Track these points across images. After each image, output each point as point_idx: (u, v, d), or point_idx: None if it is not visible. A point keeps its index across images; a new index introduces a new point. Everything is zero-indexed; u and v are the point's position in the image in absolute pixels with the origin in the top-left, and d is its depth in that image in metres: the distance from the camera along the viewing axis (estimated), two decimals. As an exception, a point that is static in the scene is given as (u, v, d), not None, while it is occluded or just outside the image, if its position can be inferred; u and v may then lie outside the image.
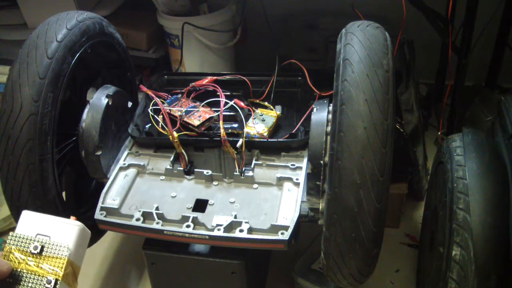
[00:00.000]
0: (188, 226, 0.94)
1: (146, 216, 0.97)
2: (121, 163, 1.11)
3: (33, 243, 0.51)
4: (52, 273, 0.50)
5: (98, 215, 0.99)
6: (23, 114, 0.91)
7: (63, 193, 1.10)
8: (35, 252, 0.51)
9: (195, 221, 0.95)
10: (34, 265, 0.50)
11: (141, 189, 1.06)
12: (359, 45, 0.80)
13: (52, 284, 0.50)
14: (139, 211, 0.98)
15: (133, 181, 1.08)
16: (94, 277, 1.37)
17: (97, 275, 1.38)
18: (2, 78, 1.78)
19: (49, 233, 0.52)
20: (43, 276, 0.50)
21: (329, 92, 1.08)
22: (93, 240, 1.18)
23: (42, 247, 0.51)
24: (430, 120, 1.82)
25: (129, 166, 1.11)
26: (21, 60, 0.94)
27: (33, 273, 0.50)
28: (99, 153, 1.06)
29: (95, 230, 1.08)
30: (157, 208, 0.98)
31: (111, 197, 1.03)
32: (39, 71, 0.92)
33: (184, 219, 0.96)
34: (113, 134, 1.13)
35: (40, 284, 0.50)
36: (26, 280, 0.50)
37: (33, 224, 0.53)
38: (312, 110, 0.99)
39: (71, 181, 1.13)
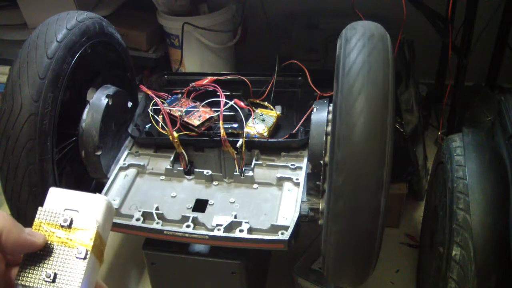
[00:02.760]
0: (188, 226, 0.94)
1: (146, 216, 0.97)
2: (121, 163, 1.11)
3: (62, 217, 0.52)
4: (82, 244, 0.51)
5: (98, 215, 0.99)
6: (23, 114, 0.91)
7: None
8: (65, 225, 0.52)
9: (195, 221, 0.95)
10: (65, 237, 0.51)
11: (141, 189, 1.06)
12: (359, 45, 0.79)
13: (83, 254, 0.51)
14: (139, 211, 0.98)
15: (133, 181, 1.08)
16: (94, 277, 1.37)
17: (97, 275, 1.37)
18: (2, 78, 1.78)
19: (77, 207, 0.53)
20: (73, 248, 0.51)
21: (330, 93, 1.08)
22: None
23: (72, 220, 0.52)
24: (430, 120, 1.82)
25: (129, 166, 1.11)
26: (21, 60, 0.94)
27: (63, 244, 0.51)
28: (99, 153, 1.06)
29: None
30: (157, 208, 0.98)
31: (111, 197, 1.03)
32: (39, 71, 0.92)
33: (184, 219, 0.96)
34: (113, 134, 1.13)
35: (71, 255, 0.51)
36: (57, 251, 0.51)
37: (60, 199, 0.54)
38: (312, 110, 0.99)
39: (71, 181, 1.13)
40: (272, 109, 1.19)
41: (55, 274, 0.50)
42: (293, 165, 1.06)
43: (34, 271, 0.50)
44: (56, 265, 0.50)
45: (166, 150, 1.13)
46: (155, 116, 1.14)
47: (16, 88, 0.92)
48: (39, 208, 0.53)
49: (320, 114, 0.97)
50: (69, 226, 0.52)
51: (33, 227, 0.52)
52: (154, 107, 1.16)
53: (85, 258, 0.51)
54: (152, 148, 1.15)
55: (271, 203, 1.00)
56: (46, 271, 0.50)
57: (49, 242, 0.51)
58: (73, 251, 0.51)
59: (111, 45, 1.18)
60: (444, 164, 1.02)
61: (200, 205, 1.01)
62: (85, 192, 0.54)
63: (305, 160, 1.06)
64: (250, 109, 1.18)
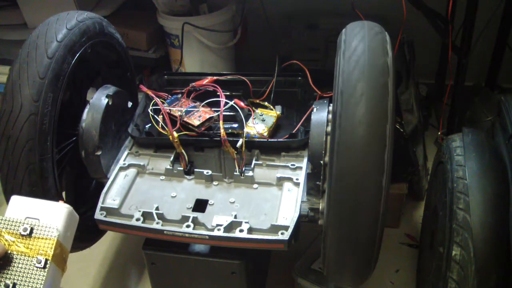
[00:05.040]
0: (188, 226, 0.94)
1: (146, 216, 0.97)
2: (121, 163, 1.11)
3: (23, 226, 0.52)
4: (42, 254, 0.51)
5: (98, 215, 0.99)
6: (23, 114, 0.91)
7: (63, 193, 1.10)
8: (25, 234, 0.52)
9: (195, 221, 0.95)
10: (24, 246, 0.51)
11: (141, 189, 1.06)
12: (358, 49, 0.79)
13: (42, 263, 0.51)
14: (139, 211, 0.98)
15: (133, 181, 1.08)
16: (94, 277, 1.37)
17: (97, 275, 1.38)
18: (2, 78, 1.78)
19: (38, 216, 0.53)
20: (33, 257, 0.51)
21: (330, 93, 1.08)
22: (93, 240, 1.18)
23: (32, 229, 0.52)
24: (430, 120, 1.82)
25: (129, 166, 1.11)
26: (21, 60, 0.94)
27: (23, 254, 0.51)
28: (99, 153, 1.07)
29: (95, 230, 1.08)
30: (157, 208, 0.98)
31: (111, 197, 1.03)
32: (39, 71, 0.92)
33: (184, 219, 0.96)
34: (113, 134, 1.13)
35: (31, 265, 0.51)
36: (17, 261, 0.51)
37: (22, 208, 0.54)
38: (312, 110, 0.99)
39: (71, 181, 1.13)
40: (272, 109, 1.19)
41: (14, 284, 0.50)
42: (293, 165, 1.06)
43: None
44: (15, 275, 0.50)
45: (166, 150, 1.13)
46: (155, 116, 1.14)
47: (16, 88, 0.92)
48: (0, 217, 0.52)
49: (320, 114, 0.97)
50: (29, 235, 0.51)
51: None
52: (154, 107, 1.16)
53: (44, 267, 0.50)
54: (152, 148, 1.15)
55: (271, 203, 1.00)
56: (4, 282, 0.49)
57: (8, 252, 0.51)
58: (32, 261, 0.50)
59: (111, 45, 1.18)
60: (444, 164, 1.02)
61: (200, 205, 1.01)
62: (47, 200, 0.54)
63: (305, 160, 1.06)
64: (250, 109, 1.18)
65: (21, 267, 0.50)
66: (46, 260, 0.51)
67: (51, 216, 0.53)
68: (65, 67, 0.97)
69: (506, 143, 0.96)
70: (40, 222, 0.52)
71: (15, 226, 0.52)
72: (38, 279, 0.50)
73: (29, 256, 0.51)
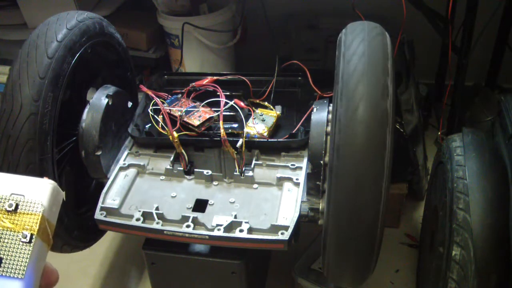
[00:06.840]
0: (188, 226, 0.94)
1: (146, 216, 0.97)
2: (121, 163, 1.11)
3: (8, 202, 0.53)
4: (27, 229, 0.52)
5: (98, 215, 0.99)
6: (23, 114, 0.91)
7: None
8: (10, 209, 0.52)
9: (195, 221, 0.95)
10: (10, 222, 0.52)
11: (141, 189, 1.06)
12: (358, 50, 0.79)
13: (28, 238, 0.51)
14: (139, 211, 0.98)
15: (133, 181, 1.08)
16: (94, 277, 1.37)
17: (97, 275, 1.38)
18: (2, 78, 1.78)
19: (23, 192, 0.54)
20: (19, 232, 0.52)
21: (330, 93, 1.08)
22: (93, 240, 1.18)
23: (17, 205, 0.53)
24: (430, 120, 1.82)
25: (129, 166, 1.11)
26: (21, 60, 0.94)
27: (8, 229, 0.52)
28: (99, 153, 1.06)
29: (95, 230, 1.08)
30: (157, 208, 0.98)
31: (111, 197, 1.03)
32: (39, 71, 0.92)
33: (184, 219, 0.96)
34: (113, 134, 1.13)
35: (16, 239, 0.51)
36: (2, 236, 0.51)
37: (7, 184, 0.54)
38: (312, 110, 0.99)
39: (71, 181, 1.13)
40: (272, 109, 1.19)
41: (1, 259, 0.50)
42: (293, 165, 1.06)
43: None
44: (1, 250, 0.51)
45: (166, 150, 1.13)
46: (155, 116, 1.14)
47: (16, 88, 0.92)
48: None
49: (320, 114, 0.97)
50: (15, 211, 0.52)
51: None
52: (154, 107, 1.16)
53: (30, 242, 0.51)
54: (152, 148, 1.15)
55: (271, 203, 1.00)
56: None
57: None
58: (18, 236, 0.51)
59: (111, 45, 1.18)
60: (444, 164, 1.02)
61: (200, 205, 1.01)
62: (31, 177, 0.55)
63: (305, 160, 1.06)
64: (250, 109, 1.18)
65: (7, 242, 0.51)
66: (32, 234, 0.51)
67: (36, 192, 0.54)
68: (65, 67, 0.97)
69: (506, 143, 0.96)
70: (25, 198, 0.53)
71: (0, 202, 0.53)
72: (24, 253, 0.51)
73: (14, 232, 0.52)
